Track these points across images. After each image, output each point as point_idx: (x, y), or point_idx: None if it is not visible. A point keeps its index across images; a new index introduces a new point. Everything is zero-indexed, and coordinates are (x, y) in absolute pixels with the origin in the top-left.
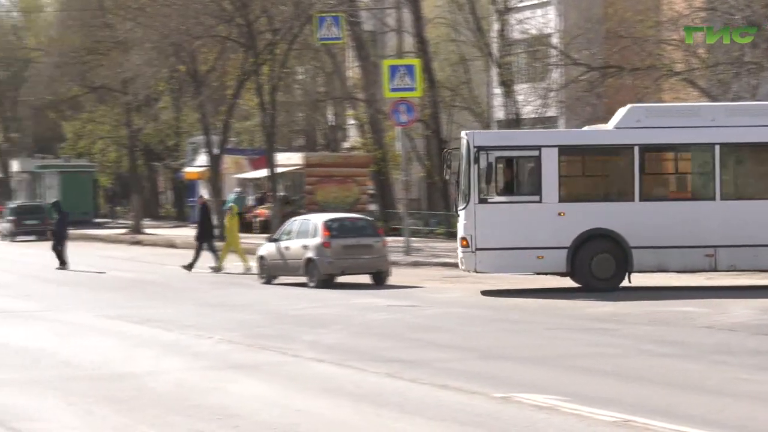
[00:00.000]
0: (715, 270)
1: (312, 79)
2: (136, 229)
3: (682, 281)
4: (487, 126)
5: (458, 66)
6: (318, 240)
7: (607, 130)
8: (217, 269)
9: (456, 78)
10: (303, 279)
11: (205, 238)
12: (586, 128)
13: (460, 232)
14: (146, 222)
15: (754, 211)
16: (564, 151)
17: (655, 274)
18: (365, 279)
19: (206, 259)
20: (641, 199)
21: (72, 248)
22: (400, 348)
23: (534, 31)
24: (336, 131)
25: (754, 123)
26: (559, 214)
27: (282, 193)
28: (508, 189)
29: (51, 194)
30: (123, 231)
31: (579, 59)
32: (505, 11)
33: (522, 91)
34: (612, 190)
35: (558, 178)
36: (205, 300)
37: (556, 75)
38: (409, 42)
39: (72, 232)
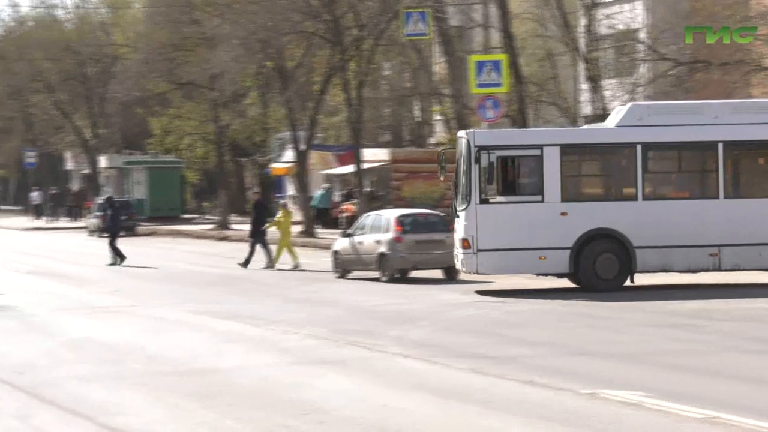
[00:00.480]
0: (719, 269)
1: (398, 75)
2: (223, 225)
3: (686, 280)
4: (574, 122)
5: (545, 61)
6: (390, 235)
7: (609, 129)
8: (270, 266)
9: (543, 73)
10: (375, 274)
11: (259, 236)
12: (585, 126)
13: (460, 233)
14: (233, 218)
15: (758, 210)
16: (566, 150)
17: (657, 274)
18: (436, 274)
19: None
20: (644, 198)
21: (159, 243)
22: (486, 344)
23: (621, 26)
24: (422, 127)
25: (757, 120)
26: (562, 214)
27: (368, 189)
28: (510, 189)
29: (139, 190)
30: (210, 227)
31: (666, 54)
32: (592, 6)
33: (609, 86)
34: (615, 189)
35: (560, 178)
36: (291, 296)
37: (643, 70)
38: (495, 37)
39: (159, 227)
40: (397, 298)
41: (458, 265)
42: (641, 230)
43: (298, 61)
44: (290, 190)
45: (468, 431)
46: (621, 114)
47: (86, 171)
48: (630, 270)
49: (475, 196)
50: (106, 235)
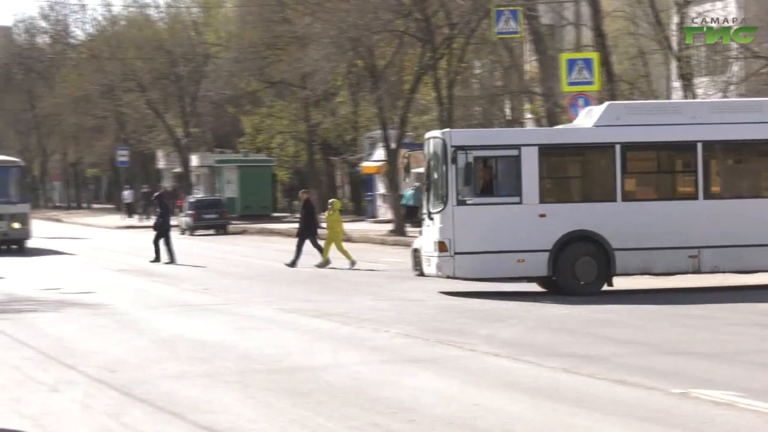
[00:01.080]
0: (698, 272)
1: (489, 74)
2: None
3: (667, 284)
4: None
5: (637, 59)
6: None
7: (587, 129)
8: (322, 264)
9: (634, 71)
10: None
11: (308, 235)
12: (561, 126)
13: (435, 236)
14: (323, 216)
15: (738, 211)
16: (544, 150)
17: (638, 278)
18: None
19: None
20: (623, 200)
21: (249, 242)
22: (577, 343)
23: (714, 24)
24: (513, 125)
25: (736, 120)
26: (540, 215)
27: None
28: (488, 190)
29: (230, 189)
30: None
31: (760, 52)
32: (685, 4)
33: (701, 84)
34: (594, 190)
35: (538, 179)
36: (380, 294)
37: (736, 68)
38: (587, 35)
39: (250, 226)
40: (483, 297)
41: (428, 269)
42: (621, 232)
43: (388, 60)
44: (380, 188)
45: (559, 430)
46: (598, 114)
47: (178, 170)
48: (609, 273)
49: (452, 198)
50: (156, 231)
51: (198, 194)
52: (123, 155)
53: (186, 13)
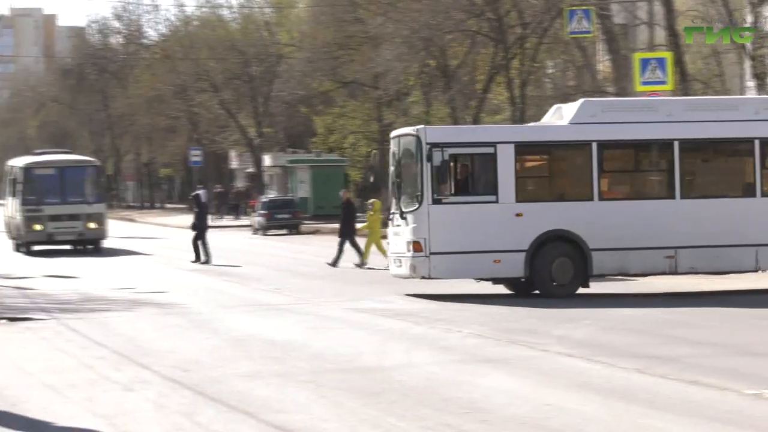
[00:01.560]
0: (675, 273)
1: (562, 73)
2: (385, 223)
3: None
4: None
5: (710, 59)
6: None
7: (563, 126)
8: (361, 264)
9: (708, 71)
10: None
11: (348, 235)
12: (536, 124)
13: (409, 236)
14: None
15: (714, 211)
16: (520, 148)
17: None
18: None
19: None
20: (600, 199)
21: (322, 242)
22: (650, 343)
23: None
24: None
25: (712, 118)
26: (517, 215)
27: None
28: (464, 189)
29: (302, 189)
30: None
31: None
32: (759, 3)
33: None
34: (570, 189)
35: (515, 177)
36: (452, 293)
37: None
38: (660, 35)
39: (323, 226)
40: (554, 299)
41: (398, 270)
42: (597, 232)
43: (461, 60)
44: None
45: (631, 431)
46: (572, 111)
47: (250, 170)
48: (585, 274)
49: (428, 197)
50: (194, 231)
51: (271, 194)
52: (196, 155)
53: (259, 13)
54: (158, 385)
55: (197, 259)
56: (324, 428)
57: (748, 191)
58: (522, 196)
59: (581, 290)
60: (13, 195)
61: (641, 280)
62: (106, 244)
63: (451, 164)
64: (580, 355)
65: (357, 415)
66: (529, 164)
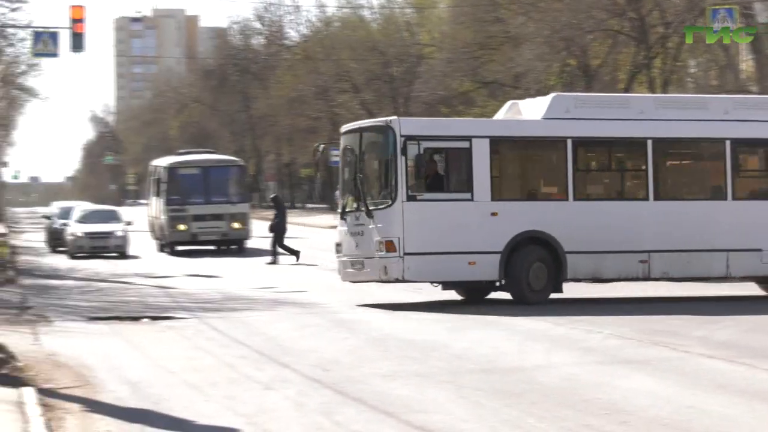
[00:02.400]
0: (648, 278)
1: (704, 73)
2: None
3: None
4: None
5: None
6: None
7: (537, 121)
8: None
9: None
10: None
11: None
12: (511, 118)
13: (377, 235)
14: None
15: (686, 213)
16: (495, 143)
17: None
18: None
19: None
20: (575, 199)
21: None
22: None
23: None
24: None
25: (681, 117)
26: (492, 214)
27: None
28: (438, 185)
29: None
30: None
31: None
32: None
33: None
34: (546, 187)
35: (489, 174)
36: (590, 293)
37: None
38: None
39: None
40: (693, 301)
41: (360, 274)
42: (573, 234)
43: (602, 59)
44: None
45: None
46: (544, 106)
47: None
48: (559, 278)
49: (402, 193)
50: (271, 234)
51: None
52: (337, 155)
53: (399, 13)
54: (298, 384)
55: (292, 253)
56: (464, 429)
57: (719, 194)
58: (497, 194)
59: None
60: (157, 195)
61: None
62: (250, 244)
63: (427, 158)
64: (722, 357)
65: (497, 415)
66: (505, 160)
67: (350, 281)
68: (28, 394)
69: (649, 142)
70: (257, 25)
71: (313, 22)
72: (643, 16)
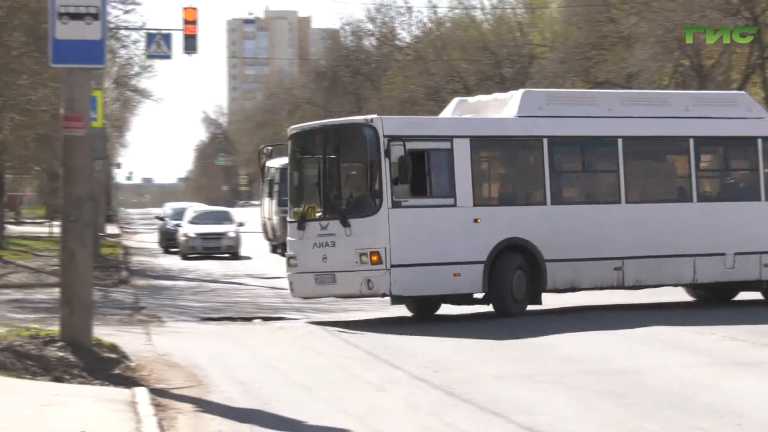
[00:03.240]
0: (622, 286)
1: None
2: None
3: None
4: None
5: None
6: None
7: (511, 119)
8: None
9: None
10: None
11: None
12: (488, 116)
13: (358, 246)
14: None
15: (655, 217)
16: (475, 143)
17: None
18: None
19: None
20: (553, 203)
21: None
22: None
23: None
24: None
25: (649, 114)
26: (475, 220)
27: None
28: (421, 189)
29: None
30: None
31: None
32: None
33: None
34: (525, 191)
35: (471, 177)
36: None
37: None
38: None
39: None
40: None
41: (332, 288)
42: (552, 241)
43: (715, 59)
44: None
45: None
46: (516, 102)
47: None
48: (539, 288)
49: (387, 199)
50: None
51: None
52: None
53: (511, 13)
54: (409, 385)
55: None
56: (572, 430)
57: (685, 196)
58: (479, 199)
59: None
60: (270, 196)
61: None
62: None
63: (411, 161)
64: None
65: (605, 417)
66: (486, 162)
67: (309, 297)
68: (141, 393)
69: (620, 141)
70: (369, 26)
71: (424, 22)
72: (757, 15)
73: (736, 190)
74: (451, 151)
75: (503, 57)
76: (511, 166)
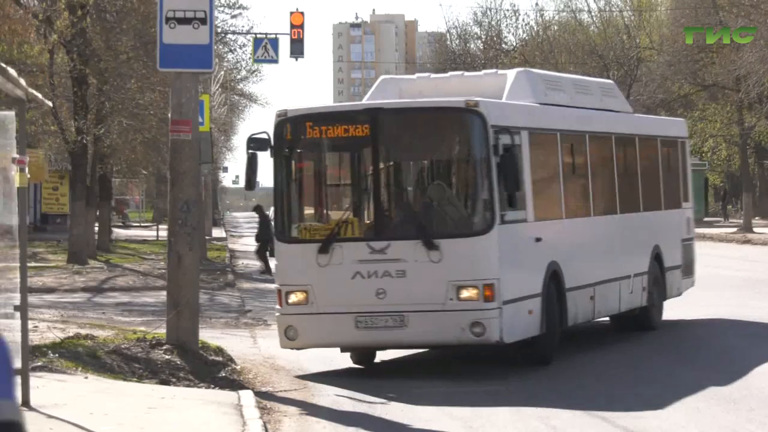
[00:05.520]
0: (593, 318)
1: None
2: (747, 228)
3: None
4: None
5: None
6: None
7: (558, 108)
8: None
9: None
10: None
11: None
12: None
13: (454, 275)
14: (756, 221)
15: (594, 233)
16: (535, 136)
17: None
18: None
19: None
20: (566, 216)
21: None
22: None
23: None
24: None
25: (587, 104)
26: (537, 239)
27: None
28: (512, 198)
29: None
30: (733, 230)
31: None
32: None
33: None
34: (552, 200)
35: (531, 181)
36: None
37: None
38: None
39: None
40: None
41: (401, 334)
42: (573, 263)
43: None
44: None
45: None
46: (505, 84)
47: None
48: (561, 322)
49: (497, 213)
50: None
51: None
52: None
53: (618, 16)
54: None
55: (267, 270)
56: None
57: (610, 207)
58: (539, 211)
59: None
60: None
61: None
62: None
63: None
64: None
65: (715, 421)
66: (540, 163)
67: (333, 346)
68: (246, 396)
69: (586, 137)
70: (475, 29)
71: (531, 26)
72: None
73: None
74: (519, 146)
75: (610, 60)
76: (551, 169)
